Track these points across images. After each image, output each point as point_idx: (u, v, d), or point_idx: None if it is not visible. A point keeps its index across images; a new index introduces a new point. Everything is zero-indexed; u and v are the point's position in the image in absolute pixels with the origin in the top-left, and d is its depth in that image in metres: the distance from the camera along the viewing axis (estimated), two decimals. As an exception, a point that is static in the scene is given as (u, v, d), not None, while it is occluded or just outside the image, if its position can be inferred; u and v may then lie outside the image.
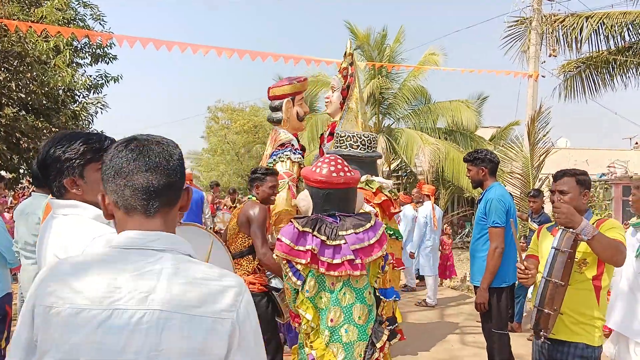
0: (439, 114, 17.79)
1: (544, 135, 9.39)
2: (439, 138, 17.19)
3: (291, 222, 2.71)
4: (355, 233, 2.61)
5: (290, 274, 2.64)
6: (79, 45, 12.42)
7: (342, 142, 4.08)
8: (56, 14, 9.98)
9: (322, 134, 5.66)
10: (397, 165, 19.04)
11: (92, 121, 12.58)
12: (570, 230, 2.58)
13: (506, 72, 9.69)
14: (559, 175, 2.99)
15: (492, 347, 4.18)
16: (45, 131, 10.66)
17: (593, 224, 2.73)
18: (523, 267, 2.80)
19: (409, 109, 18.28)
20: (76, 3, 11.83)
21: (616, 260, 2.64)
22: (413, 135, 16.53)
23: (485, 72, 9.42)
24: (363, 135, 4.06)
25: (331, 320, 2.60)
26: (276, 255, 2.68)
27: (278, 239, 2.66)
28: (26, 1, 10.20)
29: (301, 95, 5.45)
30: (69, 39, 10.15)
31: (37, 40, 9.50)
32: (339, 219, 2.68)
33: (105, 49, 12.70)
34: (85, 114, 12.35)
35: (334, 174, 2.69)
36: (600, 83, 11.18)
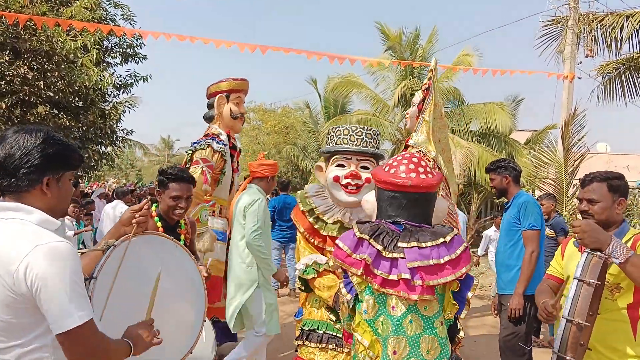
0: (472, 117, 17.34)
1: (579, 140, 8.94)
2: (472, 141, 16.75)
3: (352, 226, 2.35)
4: (419, 247, 2.14)
5: (341, 285, 2.30)
6: (109, 45, 12.57)
7: (329, 137, 3.35)
8: (85, 14, 10.06)
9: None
10: (428, 168, 18.65)
11: (120, 119, 12.69)
12: (598, 253, 2.10)
13: (540, 72, 9.29)
14: (587, 181, 2.49)
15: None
16: (73, 130, 10.80)
17: (629, 240, 2.32)
18: (550, 310, 2.30)
19: (441, 111, 17.91)
20: (107, 3, 11.97)
21: None
22: (444, 138, 16.18)
23: (518, 72, 9.02)
24: (352, 128, 3.32)
25: (394, 353, 2.14)
26: (332, 261, 2.51)
27: (336, 244, 2.30)
28: (56, 1, 10.32)
29: (238, 94, 5.39)
30: (98, 38, 10.24)
31: (65, 39, 9.60)
32: (403, 227, 2.23)
33: (135, 48, 12.83)
34: (114, 113, 12.49)
35: (403, 174, 2.22)
36: (640, 85, 10.60)
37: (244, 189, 4.40)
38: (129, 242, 2.06)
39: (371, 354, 2.18)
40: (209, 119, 5.45)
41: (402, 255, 2.14)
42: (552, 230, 5.95)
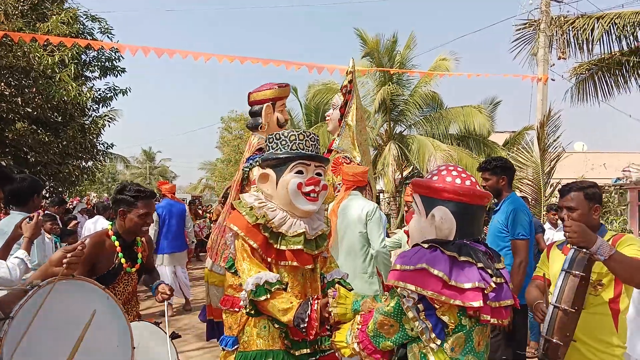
0: (451, 120, 17.59)
1: (554, 140, 9.14)
2: (451, 144, 16.99)
3: (421, 246, 1.91)
4: (503, 268, 1.95)
5: (423, 325, 1.79)
6: (87, 59, 12.53)
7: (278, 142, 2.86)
8: (62, 28, 10.04)
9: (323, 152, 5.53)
10: (409, 172, 18.83)
11: (100, 133, 12.63)
12: (584, 250, 2.30)
13: (514, 75, 9.49)
14: (565, 191, 2.70)
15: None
16: (52, 145, 10.73)
17: (609, 240, 2.49)
18: (544, 311, 2.43)
19: (421, 116, 18.11)
20: (84, 17, 11.93)
21: (637, 280, 2.32)
22: (425, 142, 16.36)
23: (493, 76, 9.22)
24: (305, 133, 2.88)
25: None
26: (406, 291, 1.81)
27: (416, 271, 1.81)
28: (32, 16, 10.28)
29: (282, 101, 5.31)
30: (75, 52, 10.21)
31: (42, 54, 9.57)
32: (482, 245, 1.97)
33: (114, 61, 12.80)
34: (94, 127, 12.43)
35: (478, 187, 1.96)
36: (613, 85, 10.83)
37: (344, 198, 4.33)
38: (53, 285, 1.87)
39: None
40: (254, 127, 5.31)
41: (502, 279, 1.89)
42: (550, 243, 6.07)
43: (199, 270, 12.00)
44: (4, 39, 8.42)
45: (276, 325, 2.49)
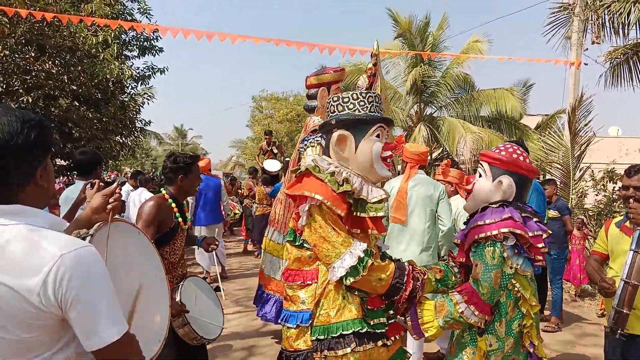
0: (482, 102, 17.50)
1: (585, 125, 9.17)
2: (482, 126, 16.93)
3: (491, 206, 2.46)
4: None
5: (519, 259, 2.39)
6: (127, 39, 12.96)
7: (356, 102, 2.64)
8: (104, 9, 10.45)
9: None
10: (439, 154, 18.87)
11: (140, 111, 13.11)
12: None
13: (546, 60, 9.50)
14: (632, 172, 2.94)
15: None
16: (95, 121, 11.22)
17: None
18: (608, 285, 2.78)
19: (452, 97, 18.06)
20: (124, -2, 12.34)
21: None
22: (455, 124, 16.36)
23: (525, 60, 9.25)
24: (374, 94, 2.69)
25: None
26: (505, 235, 2.34)
27: (508, 218, 2.34)
28: (77, -2, 10.71)
29: (337, 84, 5.54)
30: (117, 32, 10.63)
31: (86, 35, 10.00)
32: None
33: (152, 41, 13.22)
34: (133, 104, 12.91)
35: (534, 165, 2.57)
36: (648, 70, 10.74)
37: (411, 176, 4.62)
38: (108, 228, 1.74)
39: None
40: (310, 110, 5.55)
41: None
42: (556, 212, 6.25)
43: (232, 243, 12.49)
44: (52, 19, 8.84)
45: (356, 293, 2.41)
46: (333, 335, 2.41)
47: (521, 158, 2.49)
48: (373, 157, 2.51)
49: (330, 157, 2.56)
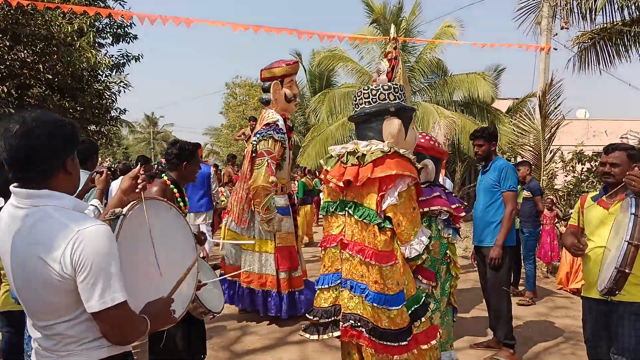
0: (455, 87, 17.81)
1: (555, 108, 9.51)
2: (455, 111, 17.25)
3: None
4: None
5: (449, 230, 3.34)
6: (101, 26, 12.80)
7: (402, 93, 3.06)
8: (79, -4, 10.35)
9: None
10: (414, 138, 19.16)
11: (115, 99, 13.00)
12: None
13: (518, 45, 9.79)
14: (610, 149, 3.16)
15: (499, 303, 4.51)
16: (71, 110, 11.12)
17: None
18: (581, 245, 3.04)
19: (425, 82, 18.35)
20: (97, -16, 12.15)
21: None
22: (429, 109, 16.62)
23: (497, 45, 9.52)
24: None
25: None
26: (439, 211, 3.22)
27: (437, 196, 3.29)
28: (51, -16, 10.53)
29: (291, 77, 5.73)
30: (92, 20, 10.52)
31: (61, 23, 9.88)
32: None
33: (126, 28, 13.08)
34: (108, 93, 12.80)
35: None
36: (614, 54, 11.09)
37: None
38: (144, 204, 1.95)
39: None
40: (265, 102, 5.80)
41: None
42: (529, 192, 6.56)
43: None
44: (27, 7, 8.72)
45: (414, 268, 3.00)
46: (418, 305, 2.82)
47: (436, 144, 3.13)
48: (414, 142, 3.02)
49: (378, 141, 2.88)
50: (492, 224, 4.53)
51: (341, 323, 2.77)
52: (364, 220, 2.70)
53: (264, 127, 5.54)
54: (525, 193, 6.58)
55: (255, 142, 5.43)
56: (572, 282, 6.91)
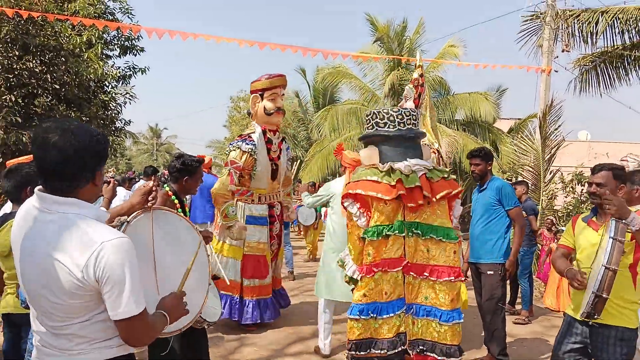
0: (457, 106, 17.97)
1: (555, 129, 9.60)
2: (457, 129, 17.38)
3: None
4: None
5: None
6: (108, 38, 13.00)
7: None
8: (88, 9, 10.54)
9: None
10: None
11: (121, 111, 13.15)
12: (623, 220, 2.76)
13: (519, 66, 9.93)
14: (597, 169, 3.16)
15: (493, 319, 4.60)
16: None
17: None
18: (581, 280, 2.93)
19: (428, 101, 18.48)
20: (106, -2, 12.38)
21: None
22: (431, 127, 16.75)
23: (499, 67, 9.67)
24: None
25: None
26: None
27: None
28: (60, -3, 10.74)
29: (273, 90, 5.84)
30: (100, 32, 10.70)
31: (70, 34, 10.06)
32: None
33: (133, 41, 13.28)
34: (114, 104, 12.95)
35: None
36: (615, 77, 11.25)
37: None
38: (152, 214, 2.12)
39: None
40: (250, 115, 6.05)
41: None
42: (524, 212, 6.64)
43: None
44: (38, 18, 8.90)
45: None
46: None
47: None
48: None
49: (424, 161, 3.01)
50: (489, 241, 4.62)
51: (410, 352, 2.67)
52: (443, 240, 2.67)
53: (237, 138, 5.88)
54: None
55: (228, 152, 5.77)
56: (563, 304, 6.89)
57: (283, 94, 6.06)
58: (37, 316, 1.78)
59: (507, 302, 6.76)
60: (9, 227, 3.05)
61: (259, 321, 5.59)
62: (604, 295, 2.77)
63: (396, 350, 2.58)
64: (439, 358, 2.59)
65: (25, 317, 2.98)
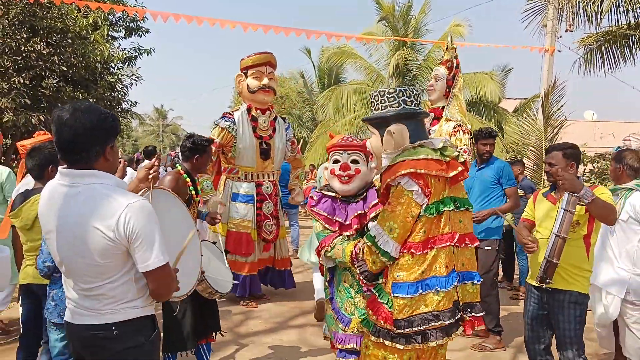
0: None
1: (557, 109, 9.67)
2: (462, 109, 17.38)
3: None
4: None
5: None
6: (114, 19, 13.07)
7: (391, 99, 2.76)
8: (93, -10, 10.60)
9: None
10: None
11: (127, 92, 13.26)
12: (575, 194, 3.02)
13: (523, 46, 9.96)
14: (549, 150, 3.49)
15: (488, 292, 4.73)
16: (85, 102, 11.38)
17: None
18: (532, 243, 3.25)
19: (433, 81, 18.45)
20: (110, -22, 12.41)
21: (610, 219, 3.16)
22: (436, 107, 16.76)
23: (502, 46, 9.70)
24: (384, 91, 2.81)
25: None
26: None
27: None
28: (66, -21, 10.79)
29: (256, 68, 5.95)
30: (106, 14, 10.79)
31: (76, 16, 10.15)
32: None
33: (139, 22, 13.34)
34: (120, 86, 13.07)
35: None
36: (619, 57, 11.23)
37: None
38: (151, 192, 2.35)
39: None
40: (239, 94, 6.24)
41: None
42: (522, 191, 6.78)
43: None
44: (45, 1, 9.00)
45: None
46: None
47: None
48: None
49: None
50: (489, 220, 4.78)
51: (466, 316, 2.72)
52: (469, 209, 2.76)
53: (224, 114, 6.05)
54: (519, 192, 6.79)
55: (212, 129, 6.03)
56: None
57: (271, 72, 6.09)
58: (71, 282, 2.02)
59: (504, 278, 6.99)
60: (32, 201, 3.25)
61: (237, 295, 5.75)
62: (554, 261, 3.07)
63: (456, 318, 2.64)
64: (478, 315, 2.71)
65: (44, 287, 3.20)
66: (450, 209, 2.60)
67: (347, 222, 3.03)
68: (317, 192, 3.21)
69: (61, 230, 1.94)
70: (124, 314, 1.97)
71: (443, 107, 5.78)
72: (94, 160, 1.95)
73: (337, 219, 3.04)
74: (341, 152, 3.11)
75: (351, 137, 3.24)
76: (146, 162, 9.60)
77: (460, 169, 2.60)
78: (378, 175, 2.78)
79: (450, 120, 5.69)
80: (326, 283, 3.22)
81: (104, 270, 1.92)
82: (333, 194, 3.12)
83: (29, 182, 4.34)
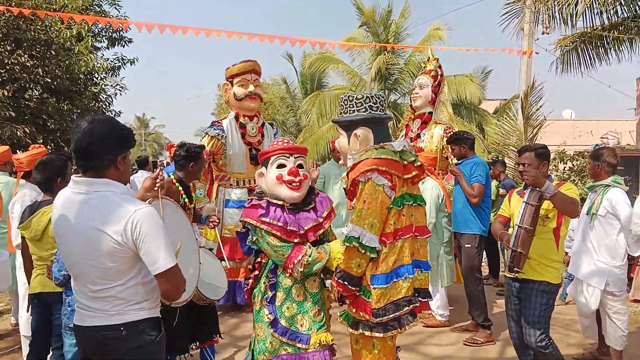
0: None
1: (536, 110, 9.93)
2: (443, 112, 17.62)
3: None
4: None
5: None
6: (96, 30, 13.09)
7: (358, 104, 2.90)
8: (77, 2, 10.65)
9: (407, 125, 6.39)
10: (403, 139, 19.50)
11: (112, 102, 13.28)
12: (537, 189, 3.26)
13: (501, 49, 10.21)
14: (522, 151, 3.67)
15: (473, 287, 4.98)
16: (69, 113, 11.40)
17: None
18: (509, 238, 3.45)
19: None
20: (93, -11, 12.44)
21: (572, 212, 3.35)
22: (418, 110, 16.97)
23: (482, 50, 9.95)
24: (380, 96, 2.97)
25: None
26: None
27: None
28: (49, -10, 10.81)
29: (241, 76, 6.07)
30: (89, 25, 10.82)
31: (60, 28, 10.18)
32: None
33: (122, 32, 13.39)
34: (104, 96, 13.08)
35: None
36: (595, 57, 11.58)
37: None
38: (160, 201, 2.55)
39: None
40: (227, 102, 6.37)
41: None
42: (504, 190, 6.99)
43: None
44: (29, 15, 9.02)
45: None
46: None
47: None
48: None
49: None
50: (470, 215, 4.96)
51: (420, 299, 2.82)
52: (421, 204, 2.87)
53: (213, 122, 6.19)
54: (501, 190, 7.02)
55: (202, 137, 6.13)
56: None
57: (256, 79, 6.19)
58: (81, 285, 2.12)
59: (489, 275, 7.17)
60: (41, 213, 3.33)
61: (231, 301, 5.79)
62: (518, 250, 3.28)
63: (414, 304, 2.75)
64: (425, 300, 2.82)
65: (55, 295, 3.30)
66: (410, 203, 2.77)
67: (301, 232, 2.85)
68: (262, 199, 2.90)
69: (73, 234, 2.05)
70: (132, 315, 2.08)
71: (430, 113, 6.05)
72: (105, 168, 2.07)
73: (291, 228, 2.82)
74: (287, 155, 2.95)
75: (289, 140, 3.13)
76: (140, 172, 9.69)
77: (414, 172, 2.78)
78: (345, 173, 2.88)
79: (440, 123, 5.95)
80: (265, 303, 2.89)
81: (113, 273, 2.02)
82: (280, 202, 2.88)
83: (24, 194, 4.42)
